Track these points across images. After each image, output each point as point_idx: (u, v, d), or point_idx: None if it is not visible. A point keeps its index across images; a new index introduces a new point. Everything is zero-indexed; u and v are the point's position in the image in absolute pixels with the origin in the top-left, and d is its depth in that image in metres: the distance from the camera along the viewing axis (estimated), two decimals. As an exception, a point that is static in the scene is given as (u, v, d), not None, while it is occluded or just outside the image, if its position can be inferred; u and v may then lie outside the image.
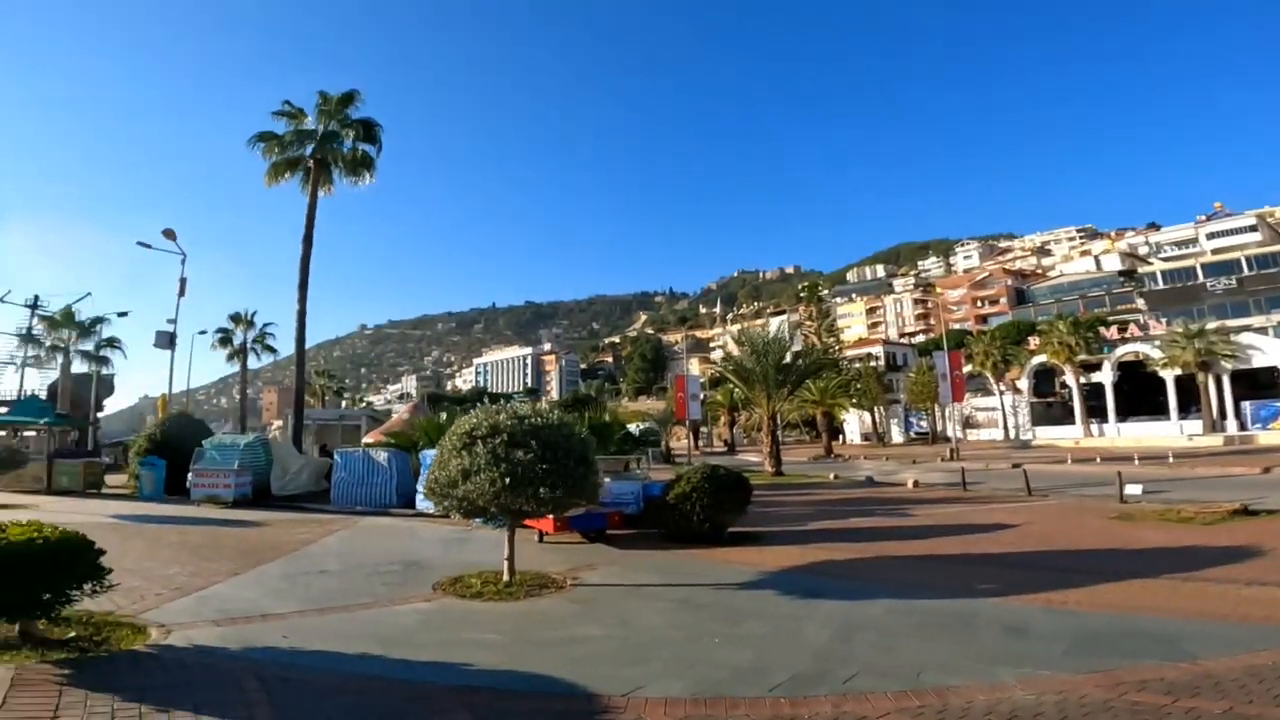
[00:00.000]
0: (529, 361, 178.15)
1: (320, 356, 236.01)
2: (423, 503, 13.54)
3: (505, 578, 7.55)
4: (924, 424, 57.43)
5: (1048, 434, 46.69)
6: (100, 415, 38.19)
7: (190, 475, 16.80)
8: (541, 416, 7.67)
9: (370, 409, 60.46)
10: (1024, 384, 50.93)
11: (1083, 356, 45.96)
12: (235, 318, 43.89)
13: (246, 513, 15.08)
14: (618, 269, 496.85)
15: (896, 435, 59.11)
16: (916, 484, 20.39)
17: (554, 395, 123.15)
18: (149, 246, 26.53)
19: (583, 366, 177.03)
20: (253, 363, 46.32)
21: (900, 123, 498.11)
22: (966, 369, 45.21)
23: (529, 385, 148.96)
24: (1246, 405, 40.10)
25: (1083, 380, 46.15)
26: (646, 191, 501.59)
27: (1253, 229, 69.12)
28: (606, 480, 13.34)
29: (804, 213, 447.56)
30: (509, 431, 7.24)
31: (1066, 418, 47.89)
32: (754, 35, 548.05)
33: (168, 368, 27.61)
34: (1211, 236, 71.20)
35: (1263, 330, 46.43)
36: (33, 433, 22.51)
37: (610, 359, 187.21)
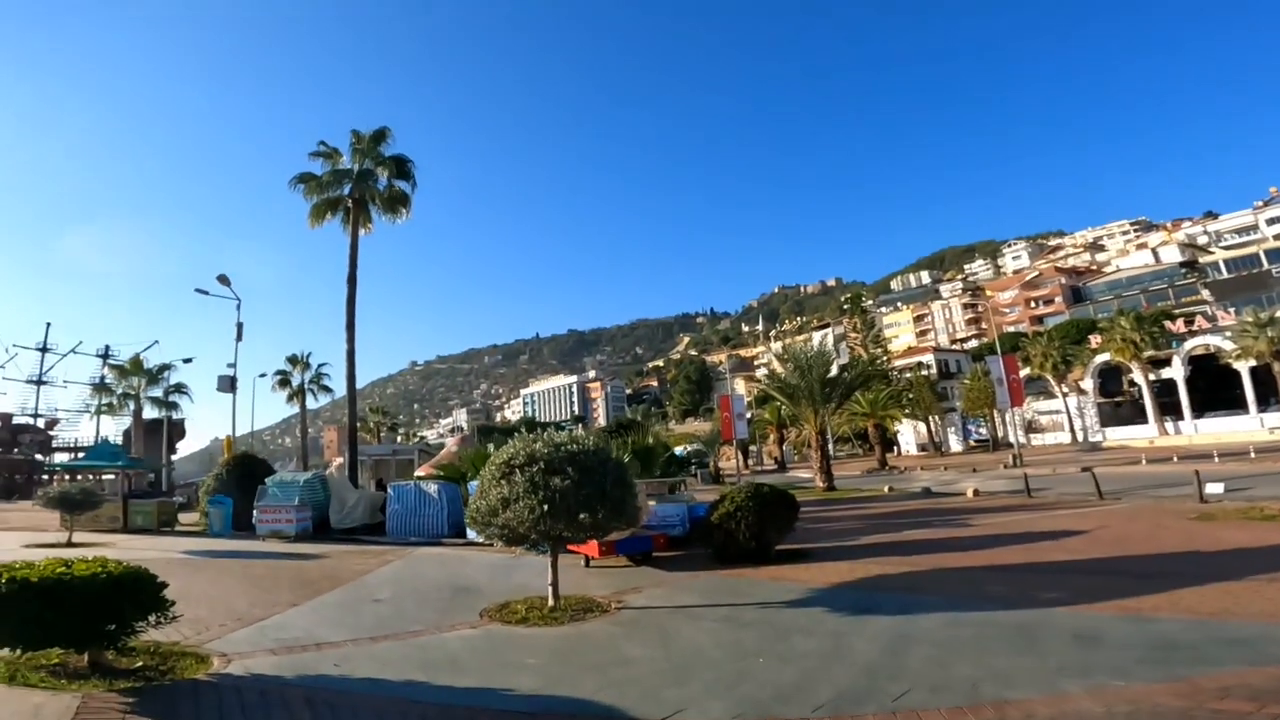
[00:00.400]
0: (574, 389, 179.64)
1: (374, 394, 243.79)
2: (473, 532, 13.72)
3: (550, 603, 7.59)
4: (983, 431, 55.42)
5: (1119, 435, 44.41)
6: (174, 457, 40.13)
7: (255, 512, 17.57)
8: (578, 443, 7.76)
9: (423, 443, 61.81)
10: (1088, 384, 48.65)
11: (1150, 352, 43.71)
12: (292, 359, 45.70)
13: (307, 546, 15.52)
14: (658, 292, 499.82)
15: (955, 444, 57.13)
16: (977, 493, 19.58)
17: (601, 421, 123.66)
18: (206, 293, 27.86)
19: (628, 391, 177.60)
20: (311, 403, 48.16)
21: (936, 125, 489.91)
22: (1024, 372, 43.59)
23: (576, 413, 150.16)
24: (1331, 392, 37.42)
25: (1152, 377, 43.85)
26: (683, 212, 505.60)
27: (1314, 212, 65.28)
28: (651, 503, 13.42)
29: (842, 223, 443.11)
30: (545, 459, 7.37)
31: (1138, 417, 45.47)
32: (782, 44, 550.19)
33: (231, 411, 28.71)
34: (1271, 222, 67.54)
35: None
36: (110, 475, 24.13)
37: (655, 383, 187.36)
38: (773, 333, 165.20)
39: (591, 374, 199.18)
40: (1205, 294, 57.60)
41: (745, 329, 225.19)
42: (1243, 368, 39.18)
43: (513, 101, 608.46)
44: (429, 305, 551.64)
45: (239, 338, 28.03)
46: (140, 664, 5.55)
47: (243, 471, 20.38)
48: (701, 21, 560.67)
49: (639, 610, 7.60)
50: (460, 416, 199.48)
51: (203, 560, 13.55)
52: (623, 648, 6.12)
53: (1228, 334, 40.63)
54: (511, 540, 7.62)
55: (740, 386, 78.56)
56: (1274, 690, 3.99)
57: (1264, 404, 38.99)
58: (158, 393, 38.64)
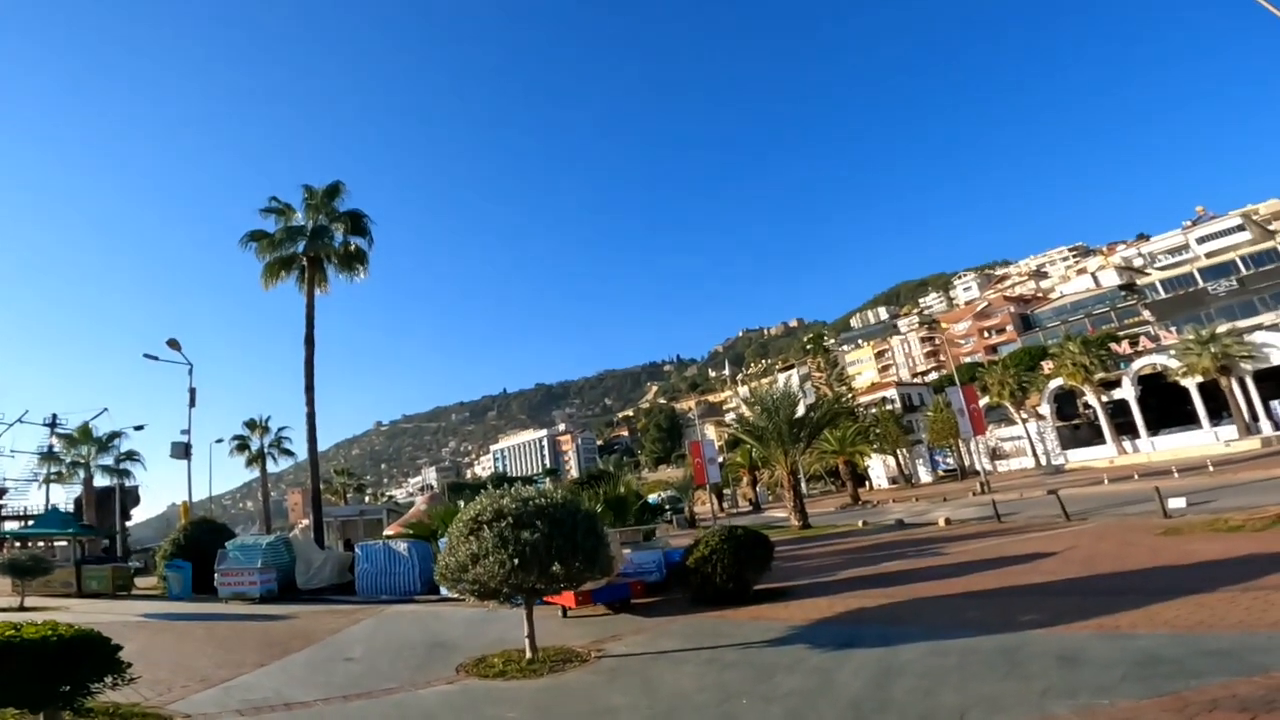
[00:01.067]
0: (545, 443, 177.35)
1: (339, 455, 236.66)
2: (446, 589, 13.37)
3: (528, 655, 7.42)
4: (950, 461, 56.20)
5: (1080, 456, 45.43)
6: (129, 524, 38.62)
7: (216, 575, 17.33)
8: (546, 496, 7.81)
9: (392, 502, 59.95)
10: (1045, 409, 49.95)
11: (1100, 375, 45.21)
12: (250, 424, 44.30)
13: (273, 607, 15.13)
14: (624, 342, 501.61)
15: (924, 475, 57.78)
16: (949, 521, 19.72)
17: (573, 473, 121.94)
18: (155, 359, 26.94)
19: (599, 442, 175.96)
20: (272, 466, 46.51)
21: (881, 160, 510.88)
22: (984, 401, 44.55)
23: (548, 466, 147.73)
24: (1277, 404, 39.03)
25: (1105, 399, 45.26)
26: (645, 263, 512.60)
27: (1240, 228, 68.99)
28: (626, 551, 13.19)
29: (801, 264, 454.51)
30: (514, 514, 7.38)
31: (1096, 438, 46.71)
32: (730, 89, 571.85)
33: (187, 476, 27.77)
34: (1202, 240, 70.88)
35: (1275, 327, 45.56)
36: (62, 542, 23.73)
37: (626, 432, 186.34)
38: (739, 376, 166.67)
39: (561, 427, 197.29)
40: (1146, 314, 59.99)
41: (712, 374, 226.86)
42: (1191, 384, 40.69)
43: (467, 157, 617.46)
44: (392, 365, 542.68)
45: (192, 403, 27.14)
46: (99, 724, 5.37)
47: (201, 535, 20.06)
48: (646, 73, 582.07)
49: (619, 658, 7.40)
50: (430, 475, 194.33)
51: (162, 623, 13.18)
52: (605, 697, 5.92)
53: (1172, 352, 42.29)
54: (483, 595, 7.54)
55: (710, 431, 78.72)
56: (1262, 699, 3.99)
57: (1216, 418, 40.40)
58: (109, 460, 37.49)
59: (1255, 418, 38.83)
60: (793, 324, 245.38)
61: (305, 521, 26.98)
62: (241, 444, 44.10)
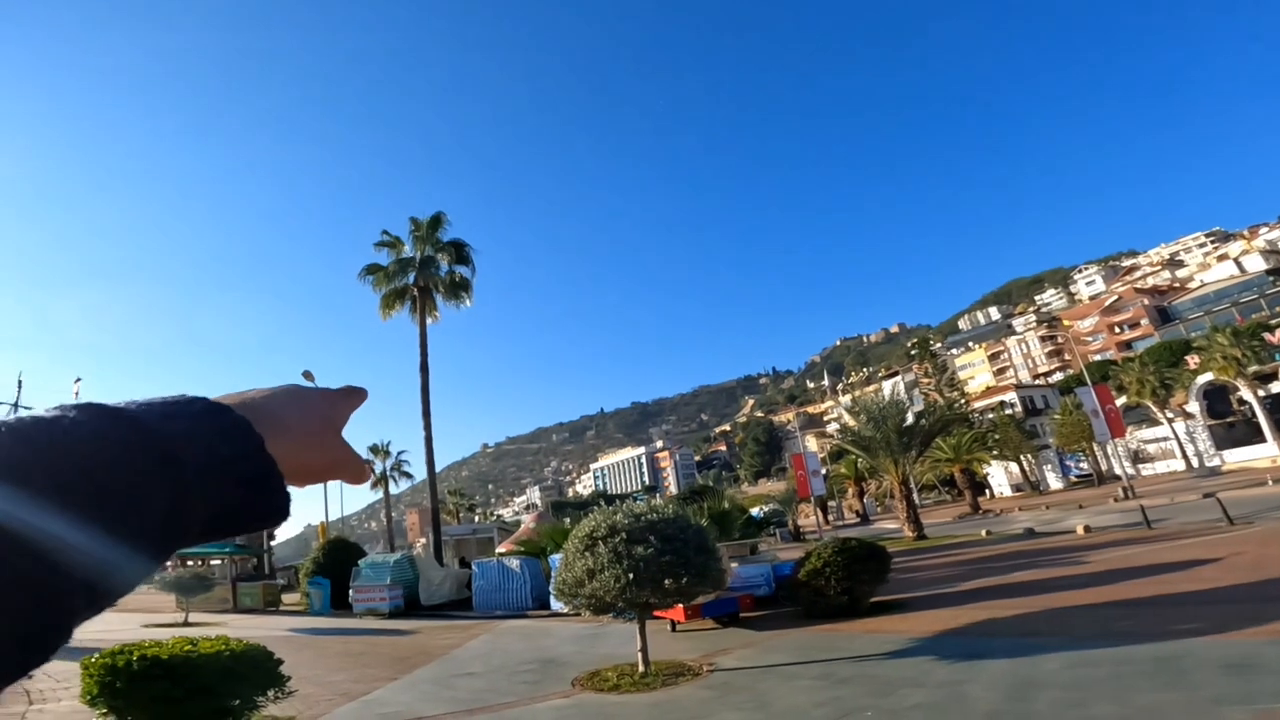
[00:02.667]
0: (643, 460, 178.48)
1: (450, 477, 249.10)
2: (555, 603, 13.70)
3: (640, 669, 7.45)
4: (1084, 466, 51.67)
5: (1237, 456, 40.51)
6: (273, 543, 41.97)
7: (351, 591, 18.52)
8: (657, 512, 7.90)
9: (500, 521, 62.19)
10: (1194, 407, 44.93)
11: (1254, 368, 40.26)
12: (374, 449, 47.64)
13: (400, 622, 15.99)
14: (718, 357, 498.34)
15: (1054, 482, 53.33)
16: (1087, 529, 18.08)
17: (672, 490, 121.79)
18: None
19: (697, 459, 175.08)
20: (393, 488, 49.74)
21: (990, 158, 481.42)
22: (1121, 401, 40.76)
23: (646, 483, 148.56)
24: None
25: (1261, 393, 40.19)
26: (737, 276, 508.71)
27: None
28: (733, 565, 13.04)
29: (899, 268, 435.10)
30: (627, 530, 7.51)
31: (1254, 436, 41.44)
32: (823, 94, 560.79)
33: (323, 499, 30.16)
34: None
35: None
36: (218, 560, 26.16)
37: (724, 447, 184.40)
38: (840, 386, 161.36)
39: (659, 444, 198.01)
40: (1304, 299, 52.93)
41: (810, 385, 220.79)
42: (1370, 373, 35.47)
43: (563, 180, 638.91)
44: (495, 388, 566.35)
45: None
46: (258, 741, 5.67)
47: (337, 554, 21.57)
48: (742, 90, 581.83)
49: (731, 672, 7.30)
50: (533, 494, 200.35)
51: (306, 637, 14.16)
52: (718, 711, 5.85)
53: (1342, 339, 37.09)
54: (598, 609, 7.70)
55: (812, 443, 76.51)
56: None
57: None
58: None
59: None
60: (893, 330, 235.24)
61: (423, 540, 28.49)
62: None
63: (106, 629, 11.48)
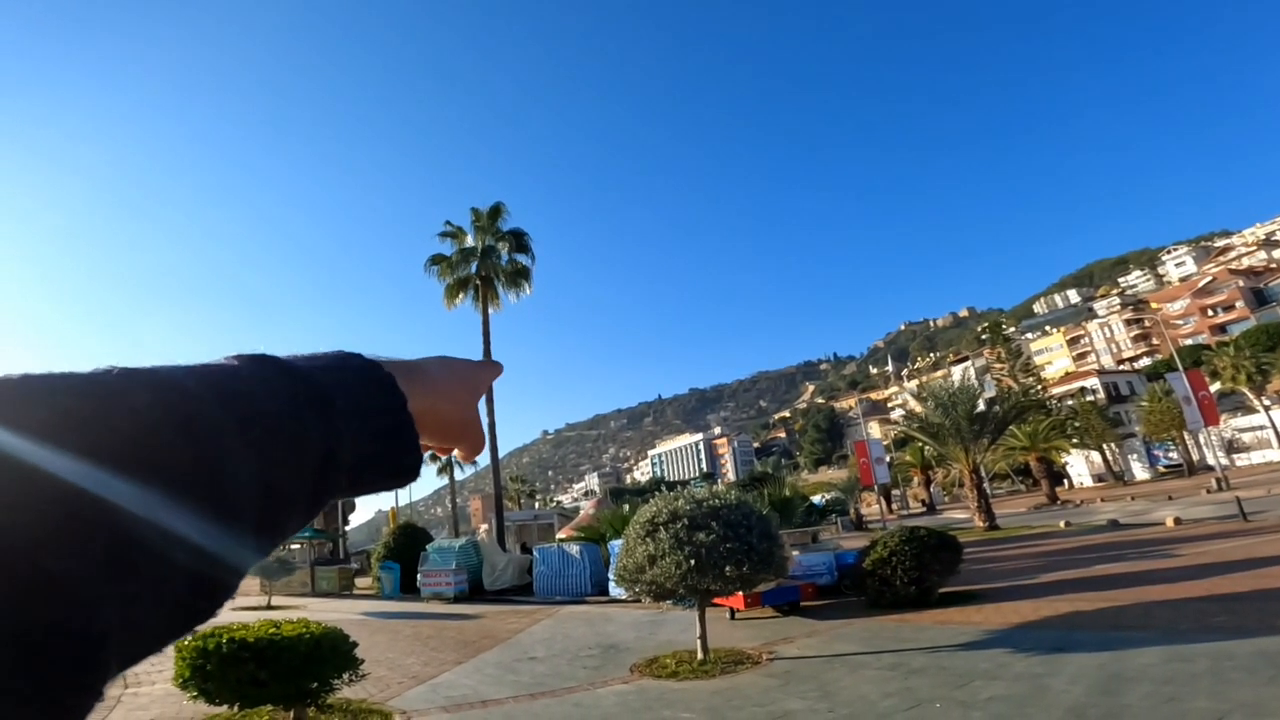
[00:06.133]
0: (701, 447, 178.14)
1: (512, 464, 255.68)
2: (615, 589, 13.82)
3: (699, 656, 7.40)
4: (1173, 455, 48.55)
5: (1349, 448, 37.16)
6: (347, 528, 43.96)
7: (419, 576, 19.09)
8: (720, 498, 7.79)
9: (559, 507, 63.37)
10: (1298, 393, 41.49)
11: (1370, 349, 36.81)
12: (439, 437, 49.24)
13: (465, 607, 16.40)
14: (777, 342, 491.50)
15: (1140, 472, 50.34)
16: (1178, 521, 17.00)
17: (730, 477, 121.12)
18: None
19: (756, 445, 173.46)
20: (458, 475, 51.44)
21: (1067, 135, 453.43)
22: (1214, 387, 38.04)
23: (704, 470, 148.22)
24: None
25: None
26: (797, 260, 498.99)
27: None
28: (795, 553, 12.80)
29: (966, 249, 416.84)
30: (689, 516, 7.44)
31: (1371, 425, 37.93)
32: (897, 76, 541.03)
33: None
34: None
35: None
36: (297, 545, 27.27)
37: (783, 434, 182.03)
38: (905, 372, 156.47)
39: (717, 430, 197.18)
40: None
41: (873, 371, 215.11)
42: None
43: (619, 168, 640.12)
44: (554, 376, 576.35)
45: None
46: (337, 721, 5.93)
47: (406, 539, 22.31)
48: (799, 74, 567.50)
49: (792, 660, 7.18)
50: (592, 480, 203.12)
51: (378, 621, 14.65)
52: (781, 700, 5.74)
53: None
54: (659, 595, 7.68)
55: (875, 430, 74.63)
56: None
57: None
58: None
59: None
60: (962, 314, 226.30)
61: (486, 526, 29.23)
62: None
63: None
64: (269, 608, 16.67)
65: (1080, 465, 52.24)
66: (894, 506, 48.97)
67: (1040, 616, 7.70)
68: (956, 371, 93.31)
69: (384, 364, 0.40)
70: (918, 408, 29.73)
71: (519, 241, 25.95)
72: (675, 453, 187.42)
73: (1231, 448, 45.14)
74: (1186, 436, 44.37)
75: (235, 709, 5.53)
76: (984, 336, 75.24)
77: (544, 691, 7.03)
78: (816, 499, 32.68)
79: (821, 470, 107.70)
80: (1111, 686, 4.72)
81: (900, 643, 7.30)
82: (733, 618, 10.27)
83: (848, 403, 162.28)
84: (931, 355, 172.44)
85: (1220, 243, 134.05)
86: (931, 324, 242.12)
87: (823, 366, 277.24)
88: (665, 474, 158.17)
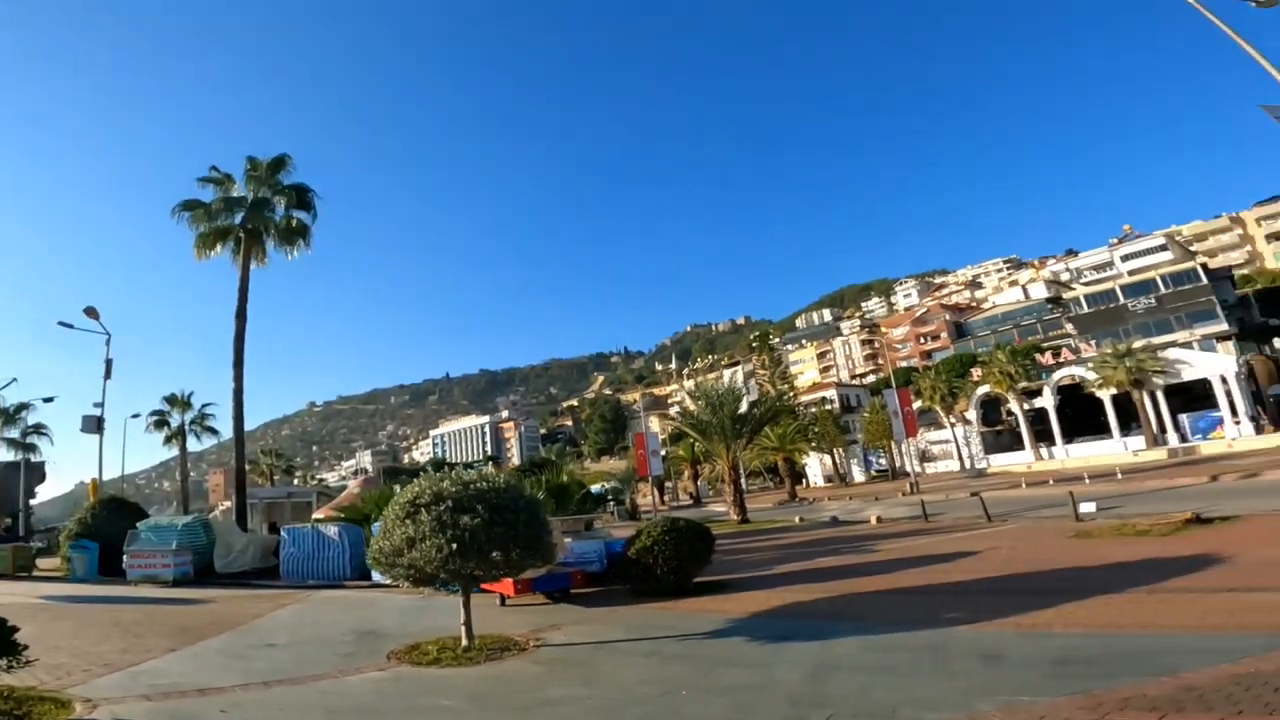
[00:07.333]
0: (488, 430, 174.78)
1: (268, 436, 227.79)
2: (378, 575, 13.01)
3: (464, 643, 7.25)
4: (883, 461, 58.23)
5: (1001, 461, 47.87)
6: (34, 501, 36.44)
7: (125, 557, 16.44)
8: (488, 480, 7.59)
9: (323, 485, 58.01)
10: (972, 414, 52.43)
11: (1023, 384, 47.81)
12: (171, 399, 41.90)
13: (188, 591, 14.47)
14: (572, 332, 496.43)
15: (858, 475, 59.72)
16: (880, 520, 20.44)
17: (515, 461, 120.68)
18: (70, 326, 25.42)
19: (542, 431, 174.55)
20: (194, 445, 44.22)
21: (837, 162, 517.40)
22: (916, 405, 46.35)
23: (489, 453, 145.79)
24: (1184, 418, 42.05)
25: (1026, 406, 47.85)
26: (597, 252, 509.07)
27: (1163, 248, 73.17)
28: (568, 540, 13.08)
29: (752, 263, 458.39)
30: (454, 497, 7.15)
31: (1016, 444, 49.34)
32: (691, 90, 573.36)
33: (98, 451, 26.26)
34: (1126, 259, 74.45)
35: (1188, 345, 48.99)
36: None
37: (570, 422, 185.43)
38: (685, 371, 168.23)
39: (505, 414, 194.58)
40: (1069, 328, 63.36)
41: (659, 367, 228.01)
42: (1105, 396, 43.43)
43: (421, 135, 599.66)
44: (330, 344, 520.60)
45: (108, 375, 25.54)
46: (-9, 707, 5.14)
47: (111, 515, 18.92)
48: (610, 60, 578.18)
49: (560, 648, 7.35)
50: (364, 458, 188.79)
51: (64, 606, 12.57)
52: (546, 687, 5.85)
53: (1090, 365, 44.99)
54: (418, 580, 7.35)
55: (655, 424, 79.11)
56: (1170, 699, 4.23)
57: (1126, 429, 43.23)
58: (14, 434, 35.81)
59: (1163, 430, 41.68)
60: (740, 321, 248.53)
61: (227, 503, 25.89)
62: (160, 420, 41.70)
63: None
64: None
65: (816, 466, 60.42)
66: (665, 498, 52.31)
67: (772, 606, 8.76)
68: (728, 374, 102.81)
69: None
70: (691, 405, 32.13)
71: (301, 198, 23.43)
72: (460, 434, 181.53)
73: (924, 457, 55.47)
74: (893, 445, 53.51)
75: None
76: (754, 344, 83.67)
77: (282, 680, 6.42)
78: (596, 487, 33.86)
79: (604, 460, 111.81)
80: (821, 674, 5.52)
81: (659, 630, 7.82)
82: (503, 604, 10.25)
83: (633, 396, 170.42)
84: (711, 357, 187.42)
85: (939, 279, 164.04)
86: (714, 328, 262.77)
87: (614, 359, 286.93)
88: (447, 455, 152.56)
